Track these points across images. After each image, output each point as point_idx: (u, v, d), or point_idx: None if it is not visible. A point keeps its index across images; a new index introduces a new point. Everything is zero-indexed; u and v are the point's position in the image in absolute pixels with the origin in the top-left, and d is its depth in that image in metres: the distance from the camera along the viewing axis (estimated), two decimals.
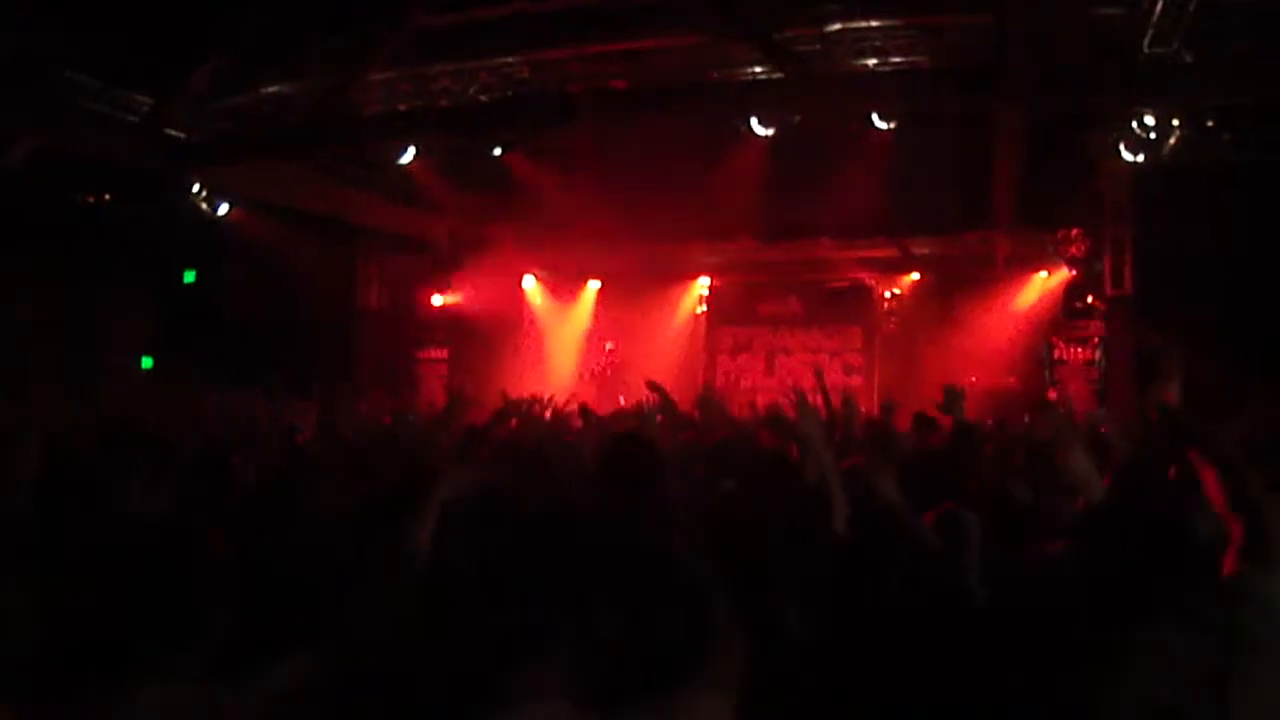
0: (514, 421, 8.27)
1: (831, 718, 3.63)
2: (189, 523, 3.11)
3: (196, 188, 17.05)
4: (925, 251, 20.21)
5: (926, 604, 3.94)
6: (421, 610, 3.10)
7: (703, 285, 22.76)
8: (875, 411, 16.65)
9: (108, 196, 16.93)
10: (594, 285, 23.15)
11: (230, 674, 2.64)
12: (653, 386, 8.99)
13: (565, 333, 23.03)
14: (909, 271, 20.97)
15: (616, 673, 2.39)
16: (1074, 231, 18.28)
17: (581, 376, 21.93)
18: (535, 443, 6.98)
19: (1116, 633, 2.98)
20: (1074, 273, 18.58)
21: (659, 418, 8.53)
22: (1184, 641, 2.94)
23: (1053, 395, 17.49)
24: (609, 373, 22.01)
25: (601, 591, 2.40)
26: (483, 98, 14.98)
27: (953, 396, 7.08)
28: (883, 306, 21.43)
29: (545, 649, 2.30)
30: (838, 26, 13.28)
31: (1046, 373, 18.74)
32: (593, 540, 2.55)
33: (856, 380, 20.92)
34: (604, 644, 2.37)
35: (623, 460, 4.76)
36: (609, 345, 22.52)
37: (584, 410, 10.03)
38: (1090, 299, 18.33)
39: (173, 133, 14.86)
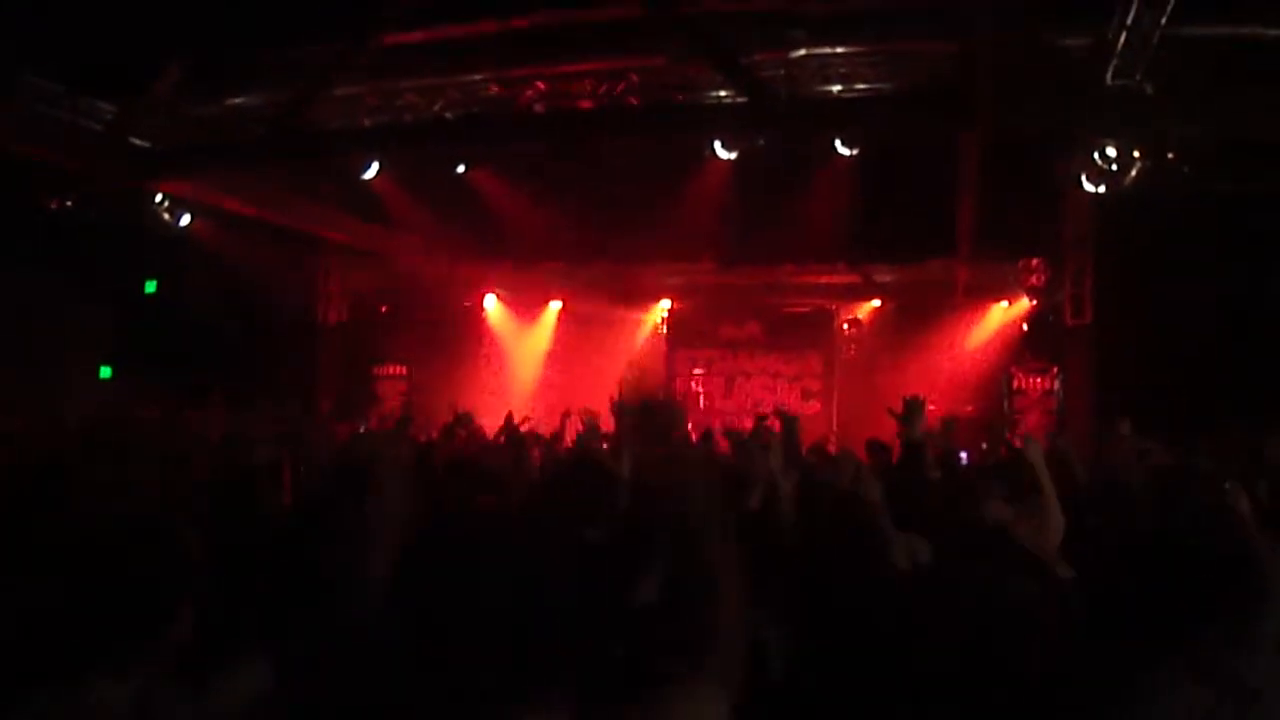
0: (462, 436, 8.27)
1: None
2: (156, 521, 3.06)
3: (159, 197, 16.95)
4: (886, 279, 20.24)
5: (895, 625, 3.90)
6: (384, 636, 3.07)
7: (663, 307, 22.74)
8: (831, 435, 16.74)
9: (69, 204, 16.79)
10: (555, 305, 23.07)
11: (187, 675, 2.62)
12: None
13: (525, 352, 22.94)
14: (869, 298, 20.98)
15: (613, 676, 2.36)
16: (1034, 261, 18.39)
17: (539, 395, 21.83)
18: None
19: (1125, 677, 2.80)
20: (1034, 303, 18.70)
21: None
22: (1192, 688, 2.73)
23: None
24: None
25: (597, 593, 2.38)
26: (448, 114, 14.97)
27: (912, 408, 6.96)
28: (843, 332, 21.44)
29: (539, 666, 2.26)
30: (803, 52, 13.34)
31: (1005, 403, 18.82)
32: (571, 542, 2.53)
33: (814, 406, 20.95)
34: (600, 649, 2.35)
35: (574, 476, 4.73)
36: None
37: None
38: (1050, 329, 18.44)
39: (136, 141, 14.77)
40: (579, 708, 2.26)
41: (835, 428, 19.95)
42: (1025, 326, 19.04)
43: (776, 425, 8.13)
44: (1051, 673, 3.11)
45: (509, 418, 11.33)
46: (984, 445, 13.84)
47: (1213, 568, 2.85)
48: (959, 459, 10.40)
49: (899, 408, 6.79)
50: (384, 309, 22.39)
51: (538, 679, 2.22)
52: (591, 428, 8.71)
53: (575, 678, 2.28)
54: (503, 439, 10.63)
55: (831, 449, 11.66)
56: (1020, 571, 4.22)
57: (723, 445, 8.51)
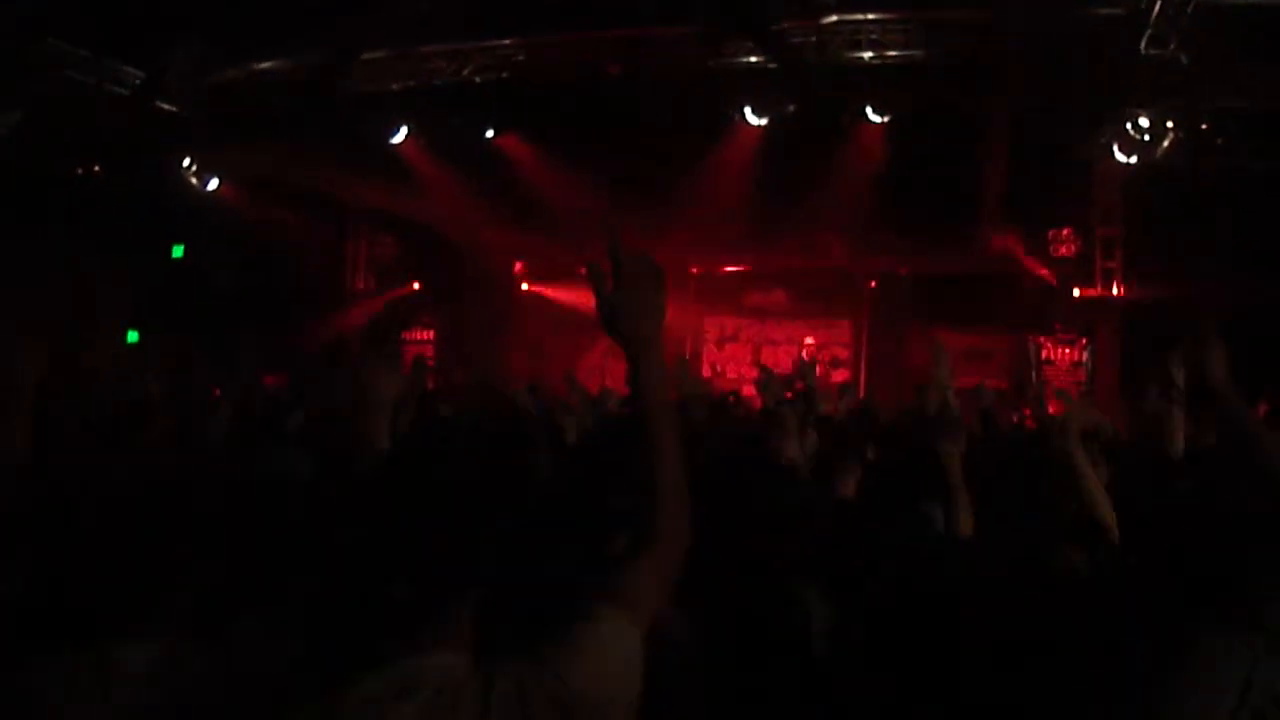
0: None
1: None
2: (170, 479, 3.07)
3: (186, 162, 16.97)
4: (914, 247, 20.13)
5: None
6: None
7: (691, 274, 22.66)
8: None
9: (96, 169, 16.82)
10: (582, 272, 22.91)
11: (209, 632, 2.63)
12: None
13: (554, 320, 22.90)
14: (898, 267, 20.87)
15: (508, 619, 2.34)
16: (1064, 231, 18.27)
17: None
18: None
19: (1190, 639, 2.83)
20: (1064, 273, 18.58)
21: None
22: (1260, 652, 2.75)
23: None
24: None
25: (490, 537, 2.36)
26: (477, 79, 14.93)
27: (939, 352, 6.87)
28: (870, 301, 21.34)
29: (444, 598, 2.26)
30: (834, 19, 13.26)
31: (1034, 373, 18.73)
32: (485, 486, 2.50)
33: (843, 374, 20.88)
34: (496, 591, 2.33)
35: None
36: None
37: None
38: (1079, 299, 18.34)
39: (164, 106, 14.79)
40: (481, 638, 2.28)
41: (862, 395, 19.92)
42: (1055, 296, 18.91)
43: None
44: (1096, 641, 3.10)
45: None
46: (1014, 418, 13.75)
47: (1243, 528, 2.96)
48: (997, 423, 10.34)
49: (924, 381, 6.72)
50: (412, 276, 22.38)
51: (439, 608, 2.24)
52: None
53: (477, 608, 2.29)
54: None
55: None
56: (1064, 538, 4.19)
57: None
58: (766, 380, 8.45)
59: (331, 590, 2.53)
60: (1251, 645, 2.78)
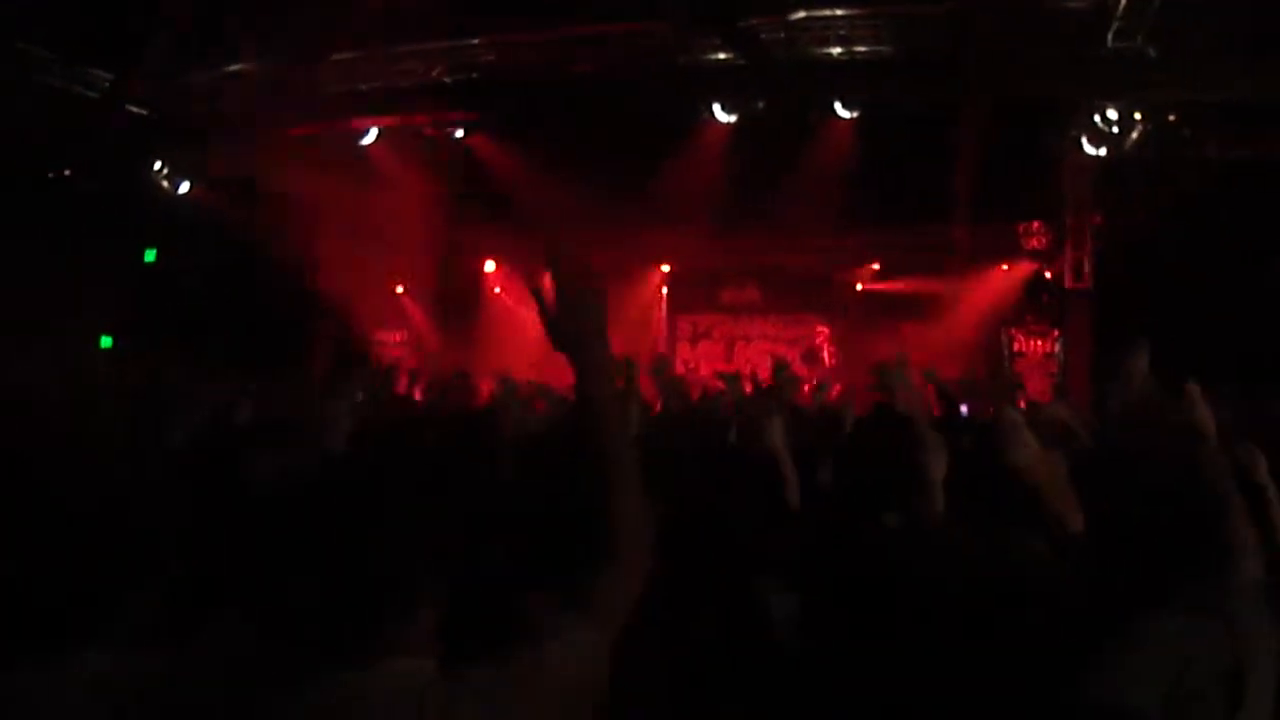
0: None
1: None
2: (129, 485, 3.06)
3: (158, 165, 16.92)
4: (886, 241, 20.16)
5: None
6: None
7: (662, 272, 22.67)
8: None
9: (67, 173, 16.75)
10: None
11: (167, 638, 2.62)
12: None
13: (526, 318, 22.85)
14: (870, 261, 20.91)
15: (476, 626, 2.34)
16: (1035, 224, 18.36)
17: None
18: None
19: (1132, 620, 2.94)
20: (1035, 265, 18.65)
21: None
22: (1197, 633, 2.88)
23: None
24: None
25: (459, 540, 2.37)
26: (446, 79, 14.91)
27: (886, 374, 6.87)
28: (843, 296, 21.38)
29: (407, 602, 2.26)
30: (802, 14, 13.27)
31: (1006, 365, 18.80)
32: (452, 485, 2.51)
33: (812, 368, 20.94)
34: (465, 596, 2.34)
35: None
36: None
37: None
38: (1051, 292, 18.42)
39: (134, 109, 14.73)
40: (445, 642, 2.28)
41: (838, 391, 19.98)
42: (1026, 289, 18.98)
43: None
44: (1054, 629, 3.17)
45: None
46: (991, 408, 13.77)
47: (1188, 525, 3.09)
48: (959, 412, 10.35)
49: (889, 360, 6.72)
50: (383, 277, 22.33)
51: (398, 610, 2.25)
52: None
53: (438, 610, 2.30)
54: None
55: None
56: (1026, 526, 4.21)
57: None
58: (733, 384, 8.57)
59: (291, 592, 2.52)
60: (1189, 625, 2.89)
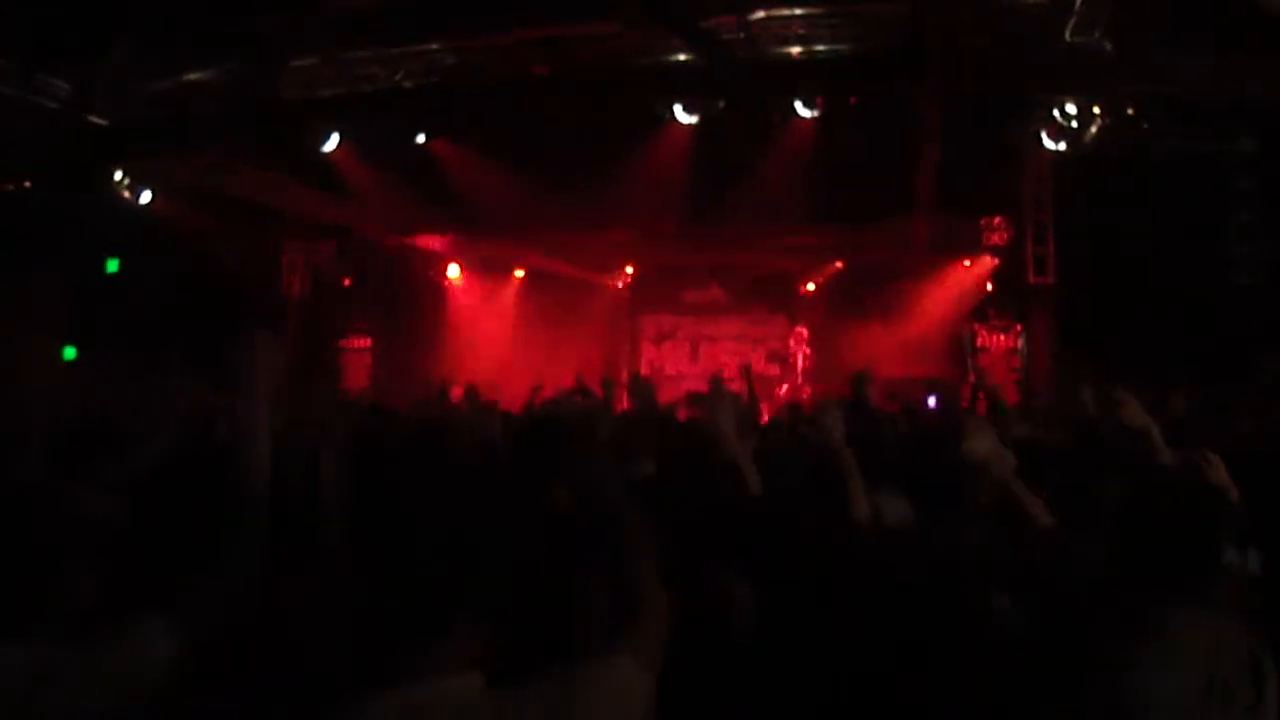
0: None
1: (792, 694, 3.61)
2: (56, 486, 3.07)
3: (119, 175, 16.81)
4: (848, 239, 20.17)
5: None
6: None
7: (626, 273, 22.67)
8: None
9: (26, 184, 16.61)
10: (518, 274, 22.93)
11: (87, 638, 2.63)
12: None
13: (490, 322, 22.82)
14: (832, 259, 20.94)
15: (526, 644, 2.35)
16: (996, 219, 18.43)
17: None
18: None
19: (1156, 615, 2.99)
20: (996, 260, 18.73)
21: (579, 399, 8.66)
22: (1222, 628, 2.95)
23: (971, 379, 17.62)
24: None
25: (510, 559, 2.36)
26: (406, 84, 14.86)
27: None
28: (806, 294, 21.41)
29: (452, 620, 2.25)
30: (762, 14, 13.28)
31: (969, 360, 18.86)
32: (501, 506, 2.51)
33: (779, 368, 20.99)
34: (514, 614, 2.33)
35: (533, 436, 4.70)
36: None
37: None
38: (1013, 286, 18.50)
39: (93, 119, 14.62)
40: (495, 659, 2.28)
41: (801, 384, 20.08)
42: (989, 285, 19.05)
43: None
44: (1058, 627, 3.20)
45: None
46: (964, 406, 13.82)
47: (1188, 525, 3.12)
48: (925, 407, 10.41)
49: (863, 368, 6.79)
50: (347, 282, 22.26)
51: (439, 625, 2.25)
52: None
53: (484, 626, 2.29)
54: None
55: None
56: (990, 521, 4.23)
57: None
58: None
59: (332, 604, 2.53)
60: (1212, 620, 2.96)
